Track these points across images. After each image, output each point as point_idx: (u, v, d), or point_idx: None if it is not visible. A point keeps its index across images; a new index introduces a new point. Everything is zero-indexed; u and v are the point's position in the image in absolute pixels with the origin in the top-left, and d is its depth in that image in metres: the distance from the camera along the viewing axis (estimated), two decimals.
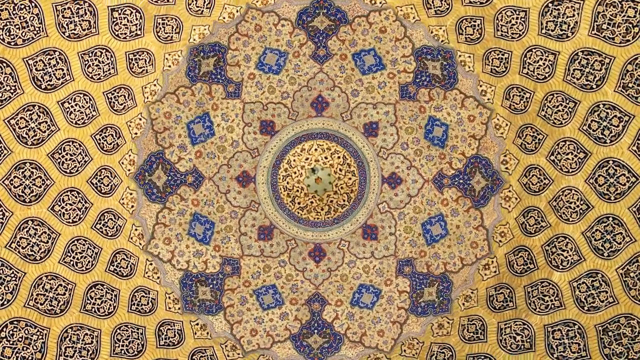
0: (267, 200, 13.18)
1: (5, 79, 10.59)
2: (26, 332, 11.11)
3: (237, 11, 11.99)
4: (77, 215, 11.64)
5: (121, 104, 11.85)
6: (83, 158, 11.67)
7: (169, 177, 12.69)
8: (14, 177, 10.95)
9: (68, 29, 10.89)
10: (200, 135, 12.75)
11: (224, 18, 11.96)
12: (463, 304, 12.65)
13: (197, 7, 11.65)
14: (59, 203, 11.44)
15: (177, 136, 12.58)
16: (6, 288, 10.93)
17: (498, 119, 12.08)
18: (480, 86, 12.18)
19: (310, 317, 13.16)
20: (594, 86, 10.88)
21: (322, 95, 12.92)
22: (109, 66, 11.45)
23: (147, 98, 12.07)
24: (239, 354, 12.78)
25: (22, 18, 10.45)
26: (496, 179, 12.53)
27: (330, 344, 13.08)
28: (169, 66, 11.99)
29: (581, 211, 11.46)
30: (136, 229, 12.39)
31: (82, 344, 11.50)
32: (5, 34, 10.43)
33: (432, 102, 12.67)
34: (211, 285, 12.90)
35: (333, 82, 12.82)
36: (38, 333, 11.23)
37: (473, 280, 12.76)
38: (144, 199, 12.46)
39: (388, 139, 13.04)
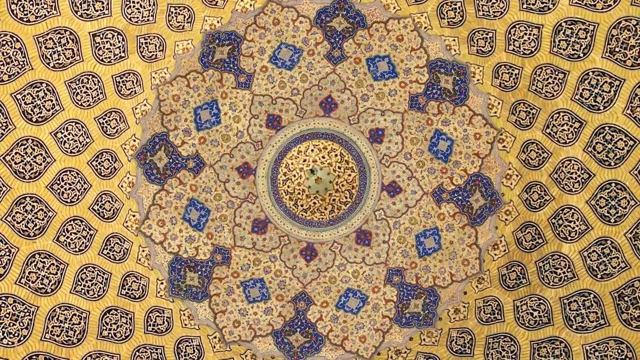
0: (265, 194, 13.18)
1: None
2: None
3: (250, 6, 11.99)
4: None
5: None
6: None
7: (170, 160, 12.69)
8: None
9: (52, 59, 10.87)
10: (206, 121, 12.74)
11: (241, 9, 11.97)
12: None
13: None
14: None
15: (183, 120, 12.58)
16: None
17: (490, 99, 12.04)
18: (489, 101, 12.20)
19: (294, 315, 13.16)
20: (581, 55, 10.85)
21: (332, 96, 12.92)
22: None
23: (157, 81, 12.05)
24: (223, 346, 12.78)
25: (5, 54, 10.37)
26: (495, 200, 12.53)
27: (311, 344, 13.08)
28: (181, 52, 11.98)
29: (583, 180, 11.38)
30: (133, 215, 12.39)
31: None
32: None
33: (440, 115, 12.67)
34: (200, 272, 12.89)
35: (344, 84, 12.82)
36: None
37: (462, 295, 12.78)
38: (142, 178, 12.46)
39: (392, 147, 13.04)
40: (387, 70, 12.67)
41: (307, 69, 12.75)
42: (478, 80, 12.03)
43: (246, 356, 12.89)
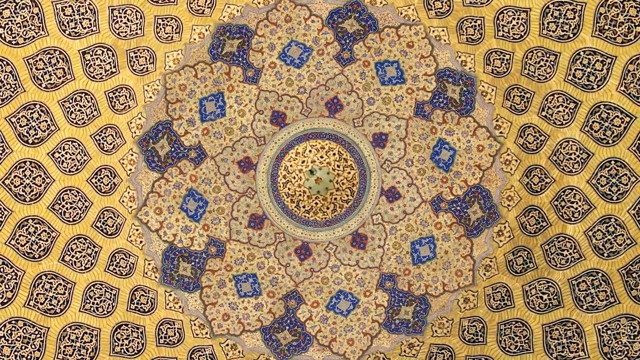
0: (264, 190, 13.18)
1: None
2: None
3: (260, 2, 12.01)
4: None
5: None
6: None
7: (172, 149, 12.68)
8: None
9: (44, 80, 10.90)
10: (211, 113, 12.74)
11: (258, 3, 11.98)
12: (462, 306, 12.64)
13: None
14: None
15: (187, 110, 12.57)
16: None
17: (483, 86, 12.03)
18: (497, 120, 12.20)
19: (284, 313, 13.16)
20: (571, 35, 10.84)
21: (338, 98, 12.92)
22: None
23: (169, 65, 12.05)
24: (206, 333, 12.78)
25: None
26: (493, 213, 12.53)
27: (299, 343, 13.09)
28: (194, 39, 11.98)
29: (582, 160, 11.36)
30: (136, 229, 12.41)
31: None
32: None
33: (445, 124, 12.67)
34: (193, 263, 12.89)
35: (351, 86, 12.82)
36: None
37: (451, 308, 12.78)
38: (143, 165, 12.45)
39: (394, 153, 13.04)
40: (395, 76, 12.66)
41: (315, 68, 12.75)
42: (470, 68, 12.02)
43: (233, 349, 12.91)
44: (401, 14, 11.95)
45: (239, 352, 12.85)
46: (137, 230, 12.45)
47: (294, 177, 13.29)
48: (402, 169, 13.07)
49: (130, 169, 12.29)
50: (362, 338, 13.11)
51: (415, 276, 13.09)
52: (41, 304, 11.32)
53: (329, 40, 12.51)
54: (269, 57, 12.59)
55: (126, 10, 11.20)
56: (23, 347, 11.07)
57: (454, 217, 12.93)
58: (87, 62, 11.19)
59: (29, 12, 10.43)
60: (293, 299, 13.22)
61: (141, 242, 12.46)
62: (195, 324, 12.70)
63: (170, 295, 12.59)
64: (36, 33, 10.58)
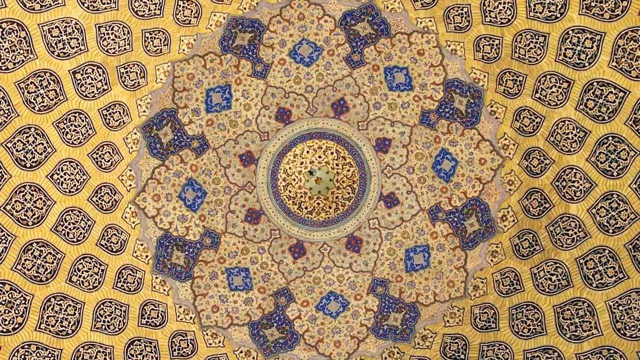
0: (264, 186, 13.18)
1: None
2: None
3: None
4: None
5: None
6: (81, 177, 11.69)
7: (175, 137, 12.68)
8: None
9: (37, 102, 10.92)
10: (216, 104, 12.74)
11: None
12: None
13: None
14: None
15: (194, 99, 12.57)
16: None
17: (506, 140, 12.05)
18: (504, 138, 12.20)
19: (273, 310, 13.16)
20: (559, 15, 10.82)
21: (345, 99, 12.91)
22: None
23: (183, 50, 12.06)
24: (191, 318, 12.78)
25: None
26: (490, 227, 12.53)
27: (286, 341, 13.09)
28: (210, 26, 11.96)
29: (580, 138, 11.34)
30: (141, 244, 12.43)
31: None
32: None
33: (448, 135, 12.66)
34: (186, 252, 12.90)
35: (359, 89, 12.81)
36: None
37: (439, 319, 12.79)
38: (145, 150, 12.45)
39: (396, 159, 13.03)
40: (403, 82, 12.66)
41: (324, 68, 12.74)
42: (460, 56, 12.01)
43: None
44: (387, 7, 11.92)
45: (219, 341, 12.87)
46: (141, 245, 12.47)
47: (294, 179, 13.28)
48: (403, 175, 13.07)
49: (130, 185, 12.35)
50: (349, 341, 13.11)
51: (407, 284, 13.09)
52: (52, 326, 11.41)
53: (340, 42, 12.51)
54: (279, 54, 12.59)
55: (113, 27, 11.20)
56: None
57: (451, 228, 12.92)
58: (78, 81, 11.23)
59: (16, 36, 10.45)
60: (283, 297, 13.23)
61: (147, 256, 12.50)
62: (207, 334, 12.77)
63: (181, 307, 12.63)
64: (25, 57, 10.61)
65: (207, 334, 12.73)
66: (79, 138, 11.54)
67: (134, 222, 12.41)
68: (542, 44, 11.16)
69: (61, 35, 10.80)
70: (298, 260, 13.29)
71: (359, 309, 13.20)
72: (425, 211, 13.05)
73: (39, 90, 10.89)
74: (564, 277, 11.78)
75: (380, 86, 12.77)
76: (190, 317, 12.74)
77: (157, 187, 12.67)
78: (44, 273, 11.37)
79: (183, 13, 11.67)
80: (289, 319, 13.18)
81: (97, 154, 11.79)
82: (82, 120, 11.49)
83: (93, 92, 11.46)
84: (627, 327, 11.14)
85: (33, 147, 11.07)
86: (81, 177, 11.68)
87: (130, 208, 12.35)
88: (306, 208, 13.31)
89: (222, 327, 12.92)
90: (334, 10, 12.22)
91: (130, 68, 11.67)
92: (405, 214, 13.13)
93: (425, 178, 13.01)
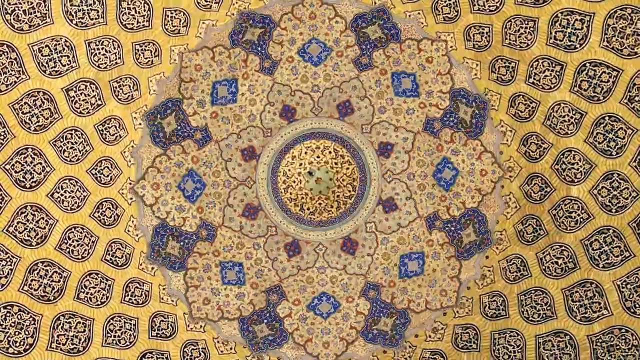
0: (263, 182, 13.18)
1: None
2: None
3: None
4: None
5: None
6: (82, 194, 11.71)
7: (179, 127, 12.68)
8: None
9: (32, 122, 10.93)
10: (222, 97, 12.73)
11: None
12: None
13: None
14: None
15: (200, 91, 12.57)
16: None
17: (467, 61, 12.01)
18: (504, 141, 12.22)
19: (264, 306, 13.16)
20: None
21: (350, 101, 12.91)
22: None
23: (199, 34, 12.06)
24: (174, 301, 12.79)
25: None
26: (486, 239, 12.53)
27: (275, 339, 13.09)
28: (228, 14, 11.92)
29: (576, 121, 11.32)
30: (133, 221, 12.41)
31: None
32: None
33: (451, 144, 12.67)
34: (182, 243, 12.89)
35: (365, 92, 12.81)
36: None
37: (430, 326, 12.79)
38: (147, 138, 12.45)
39: (398, 164, 13.03)
40: (409, 88, 12.66)
41: (332, 69, 12.74)
42: (452, 47, 12.02)
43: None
44: (374, 2, 11.90)
45: (231, 348, 12.91)
46: (144, 255, 12.48)
47: (294, 181, 13.27)
48: (403, 181, 13.07)
49: (131, 198, 12.35)
50: (338, 342, 13.12)
51: (400, 289, 13.10)
52: (63, 344, 11.42)
53: (349, 43, 12.51)
54: (287, 51, 12.58)
55: (103, 42, 11.18)
56: None
57: (447, 237, 12.93)
58: (72, 98, 11.23)
59: (7, 58, 10.44)
60: (275, 294, 13.22)
61: (152, 268, 12.52)
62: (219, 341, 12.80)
63: (190, 326, 12.65)
64: (17, 78, 10.60)
65: (218, 342, 12.75)
66: (76, 155, 11.54)
67: (137, 235, 12.42)
68: (532, 29, 11.16)
69: (52, 54, 10.78)
70: (292, 258, 13.30)
71: (349, 312, 13.20)
72: (423, 218, 13.06)
73: (33, 110, 10.88)
74: (570, 260, 11.76)
75: (386, 91, 12.77)
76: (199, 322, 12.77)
77: (157, 175, 12.67)
78: (51, 292, 11.37)
79: (172, 23, 11.66)
80: (279, 316, 13.18)
81: (95, 169, 11.79)
82: (79, 137, 11.49)
83: (87, 108, 11.46)
84: (637, 305, 11.14)
85: (31, 167, 11.06)
86: (81, 193, 11.68)
87: (132, 222, 12.35)
88: (308, 209, 13.30)
89: (211, 319, 12.92)
90: (345, 12, 12.22)
91: (123, 82, 11.66)
92: (402, 220, 13.13)
93: (425, 185, 13.01)
